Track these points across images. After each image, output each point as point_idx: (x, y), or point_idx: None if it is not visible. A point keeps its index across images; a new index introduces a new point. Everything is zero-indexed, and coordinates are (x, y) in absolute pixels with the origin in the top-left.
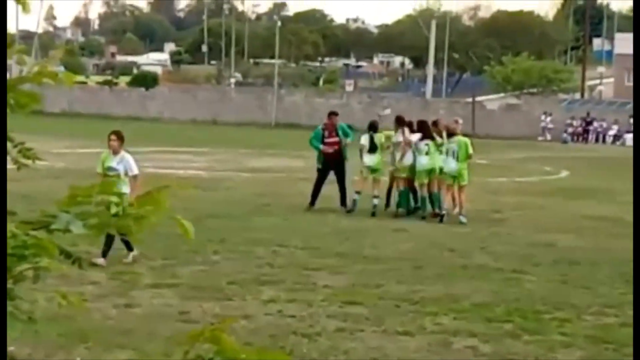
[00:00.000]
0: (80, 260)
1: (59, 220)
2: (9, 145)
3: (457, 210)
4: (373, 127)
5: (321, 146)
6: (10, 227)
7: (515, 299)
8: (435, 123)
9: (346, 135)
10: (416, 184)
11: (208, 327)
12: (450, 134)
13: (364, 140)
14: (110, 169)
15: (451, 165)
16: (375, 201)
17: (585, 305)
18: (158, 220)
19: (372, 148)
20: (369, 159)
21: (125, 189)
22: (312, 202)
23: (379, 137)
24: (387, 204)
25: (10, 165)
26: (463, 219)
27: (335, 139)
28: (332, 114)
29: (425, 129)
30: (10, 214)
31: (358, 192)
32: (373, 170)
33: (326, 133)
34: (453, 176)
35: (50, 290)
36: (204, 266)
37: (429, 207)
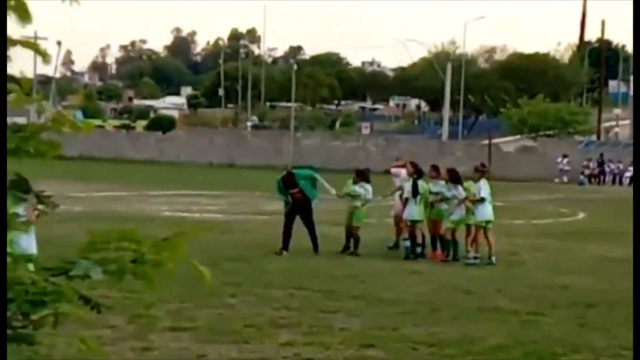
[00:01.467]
0: (99, 306)
1: (78, 267)
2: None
3: (474, 252)
4: (420, 173)
5: (288, 197)
6: (30, 273)
7: (532, 341)
8: (436, 168)
9: (311, 184)
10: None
11: None
12: (455, 180)
13: (407, 187)
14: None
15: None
16: (407, 243)
17: (602, 347)
18: (175, 265)
19: (415, 194)
20: (414, 211)
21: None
22: (285, 247)
23: (423, 186)
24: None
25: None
26: (494, 260)
27: (296, 190)
28: (290, 174)
29: (458, 178)
30: (29, 261)
31: (406, 239)
32: (417, 222)
33: (286, 187)
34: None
35: (69, 334)
36: (220, 309)
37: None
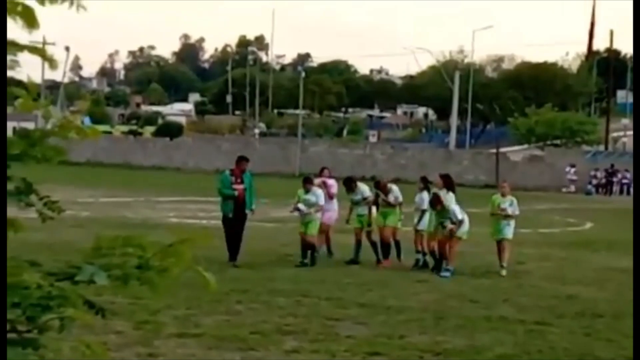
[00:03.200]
0: (104, 311)
1: (84, 272)
2: (34, 197)
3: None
4: (427, 181)
5: (235, 192)
6: (36, 278)
7: (538, 350)
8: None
9: (250, 185)
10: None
11: None
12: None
13: (424, 198)
14: None
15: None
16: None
17: (608, 357)
18: (180, 272)
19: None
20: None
21: None
22: (234, 257)
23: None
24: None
25: (34, 215)
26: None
27: (242, 186)
28: (243, 159)
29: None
30: (34, 265)
31: (423, 253)
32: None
33: (233, 179)
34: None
35: (74, 339)
36: (227, 316)
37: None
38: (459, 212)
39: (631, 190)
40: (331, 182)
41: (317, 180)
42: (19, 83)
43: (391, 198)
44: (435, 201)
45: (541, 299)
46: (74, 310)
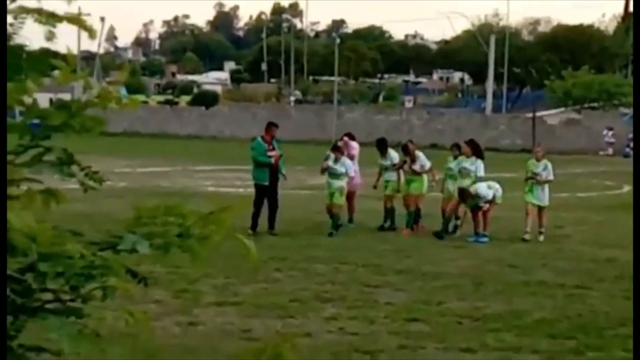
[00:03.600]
0: (146, 279)
1: (126, 241)
2: (75, 168)
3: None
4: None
5: (271, 159)
6: (79, 247)
7: (578, 315)
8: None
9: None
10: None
11: (270, 344)
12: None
13: (457, 164)
14: None
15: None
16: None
17: None
18: (220, 240)
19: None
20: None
21: None
22: (255, 227)
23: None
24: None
25: (73, 185)
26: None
27: (275, 152)
28: (273, 125)
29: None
30: (76, 235)
31: (458, 217)
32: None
33: (266, 146)
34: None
35: (116, 308)
36: (265, 284)
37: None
38: (486, 192)
39: None
40: (353, 144)
41: (340, 142)
42: (55, 55)
43: (417, 166)
44: (466, 195)
45: (580, 263)
46: (117, 279)
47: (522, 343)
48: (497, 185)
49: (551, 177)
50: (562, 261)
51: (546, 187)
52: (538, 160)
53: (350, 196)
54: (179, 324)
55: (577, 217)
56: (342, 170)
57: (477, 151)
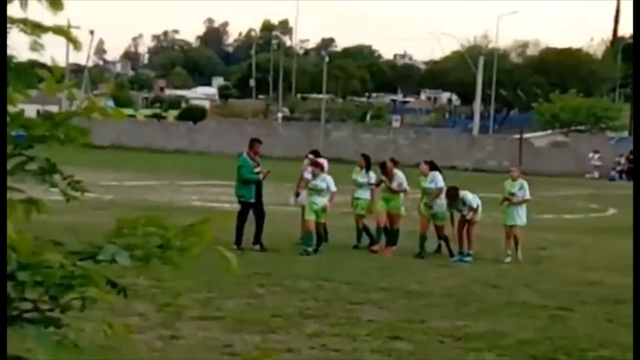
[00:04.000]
0: (126, 290)
1: (106, 251)
2: (57, 177)
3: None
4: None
5: (260, 176)
6: (59, 257)
7: (560, 336)
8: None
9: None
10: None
11: (249, 358)
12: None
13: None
14: None
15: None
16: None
17: (630, 344)
18: (201, 252)
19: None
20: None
21: None
22: (240, 242)
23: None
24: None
25: (59, 197)
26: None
27: (261, 168)
28: (256, 141)
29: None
30: (57, 244)
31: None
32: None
33: (254, 163)
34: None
35: (97, 320)
36: (248, 299)
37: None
38: (472, 199)
39: None
40: (321, 160)
41: (306, 161)
42: (42, 66)
43: (395, 184)
44: (453, 194)
45: (563, 285)
46: (96, 290)
47: None
48: (478, 199)
49: (528, 197)
50: (546, 282)
51: (523, 206)
52: (514, 180)
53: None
54: (161, 338)
55: (562, 239)
56: (323, 185)
57: (434, 169)
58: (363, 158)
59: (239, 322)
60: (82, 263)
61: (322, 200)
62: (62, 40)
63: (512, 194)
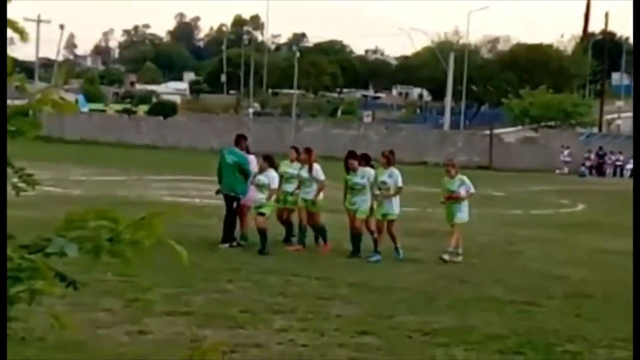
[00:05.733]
0: (75, 283)
1: (54, 244)
2: (9, 170)
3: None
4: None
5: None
6: (7, 250)
7: (527, 331)
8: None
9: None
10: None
11: (197, 351)
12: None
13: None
14: None
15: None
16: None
17: (597, 338)
18: (151, 244)
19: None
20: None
21: None
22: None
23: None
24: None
25: (31, 193)
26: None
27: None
28: (243, 138)
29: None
30: (9, 238)
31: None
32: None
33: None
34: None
35: (44, 311)
36: (217, 294)
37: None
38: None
39: (625, 172)
40: (250, 157)
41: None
42: None
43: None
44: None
45: (531, 280)
46: (44, 282)
47: (470, 358)
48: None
49: (472, 190)
50: (513, 277)
51: (465, 203)
52: (451, 177)
53: (243, 210)
54: (128, 333)
55: (531, 234)
56: (265, 181)
57: (365, 162)
58: (294, 150)
59: (207, 318)
60: (31, 256)
61: (261, 197)
62: (32, 35)
63: (453, 192)
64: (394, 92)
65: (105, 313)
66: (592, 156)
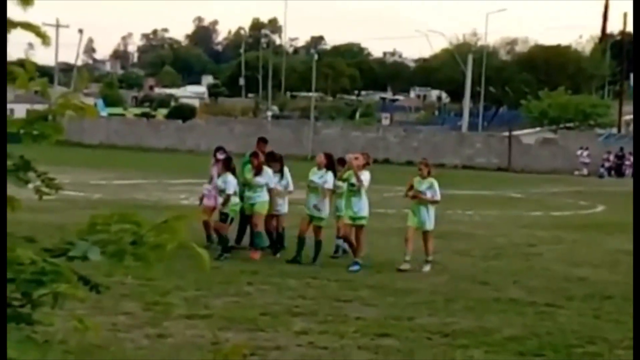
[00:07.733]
0: (98, 286)
1: (77, 248)
2: (32, 175)
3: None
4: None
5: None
6: (29, 254)
7: (548, 332)
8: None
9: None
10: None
11: (219, 354)
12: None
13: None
14: None
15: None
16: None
17: (617, 339)
18: (174, 248)
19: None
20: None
21: None
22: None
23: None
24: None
25: (51, 197)
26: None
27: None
28: (263, 141)
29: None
30: (30, 242)
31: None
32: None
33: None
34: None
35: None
36: (236, 297)
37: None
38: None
39: None
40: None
41: (213, 160)
42: (19, 63)
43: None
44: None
45: (551, 281)
46: (67, 286)
47: (490, 359)
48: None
49: (438, 198)
50: (534, 279)
51: (432, 208)
52: (423, 177)
53: (210, 212)
54: (148, 337)
55: (550, 236)
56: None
57: (330, 164)
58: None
59: (226, 320)
60: (54, 259)
61: (219, 200)
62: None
63: (420, 192)
64: (412, 94)
65: (125, 316)
66: (611, 157)
